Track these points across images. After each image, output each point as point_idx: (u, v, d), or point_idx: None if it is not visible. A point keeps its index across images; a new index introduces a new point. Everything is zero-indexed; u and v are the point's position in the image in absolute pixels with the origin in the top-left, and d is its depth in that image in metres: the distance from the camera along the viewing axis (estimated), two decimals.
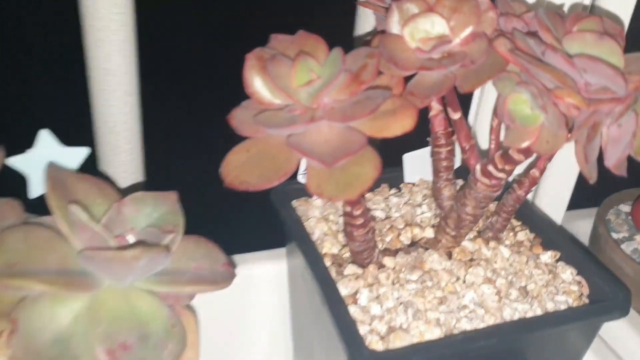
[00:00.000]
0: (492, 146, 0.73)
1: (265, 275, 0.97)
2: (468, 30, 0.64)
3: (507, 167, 0.71)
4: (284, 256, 0.96)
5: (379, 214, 0.87)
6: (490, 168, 0.72)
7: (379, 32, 0.68)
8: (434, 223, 0.85)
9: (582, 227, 1.13)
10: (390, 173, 0.94)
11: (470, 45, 0.64)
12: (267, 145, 0.62)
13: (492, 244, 0.81)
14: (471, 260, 0.79)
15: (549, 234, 0.86)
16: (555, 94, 0.59)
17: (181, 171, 1.67)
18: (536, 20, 0.62)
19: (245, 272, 0.96)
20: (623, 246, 0.99)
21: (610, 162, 0.60)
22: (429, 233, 0.83)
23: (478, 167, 0.73)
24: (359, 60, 0.62)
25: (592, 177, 0.62)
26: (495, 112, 0.73)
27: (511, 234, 0.84)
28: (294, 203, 0.88)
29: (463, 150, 0.74)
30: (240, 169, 0.61)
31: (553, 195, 1.02)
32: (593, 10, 0.87)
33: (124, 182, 0.97)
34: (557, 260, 0.82)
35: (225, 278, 0.70)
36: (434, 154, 0.79)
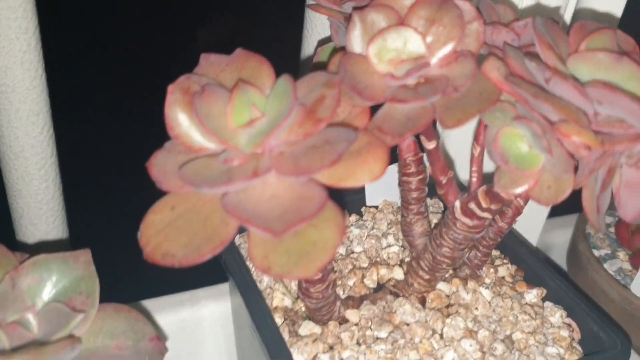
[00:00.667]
0: (474, 179, 0.61)
1: (210, 316, 0.84)
2: (449, 48, 0.51)
3: (492, 207, 0.59)
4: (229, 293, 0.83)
5: (338, 249, 0.74)
6: (473, 206, 0.60)
7: (339, 49, 0.55)
8: (403, 258, 0.73)
9: (560, 237, 1.03)
10: (349, 196, 0.81)
11: (453, 68, 0.51)
12: (198, 202, 0.48)
13: (470, 284, 0.70)
14: (448, 306, 0.68)
15: (531, 266, 0.75)
16: (561, 130, 0.47)
17: (106, 194, 1.47)
18: (534, 35, 0.49)
19: (186, 314, 0.82)
20: (606, 265, 0.89)
21: (627, 213, 0.49)
22: (398, 274, 0.71)
23: (457, 204, 0.61)
24: (315, 91, 0.49)
25: (602, 227, 0.51)
26: (476, 139, 0.61)
27: (491, 269, 0.73)
28: (238, 239, 0.75)
29: (439, 184, 0.62)
30: (163, 235, 0.47)
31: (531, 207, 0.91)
32: (579, 10, 0.75)
33: (38, 214, 0.81)
34: (544, 299, 0.72)
35: (154, 356, 0.56)
36: (402, 184, 0.67)
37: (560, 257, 1.03)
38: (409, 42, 0.51)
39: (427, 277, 0.67)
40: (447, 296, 0.69)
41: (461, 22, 0.51)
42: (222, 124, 0.47)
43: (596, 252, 0.91)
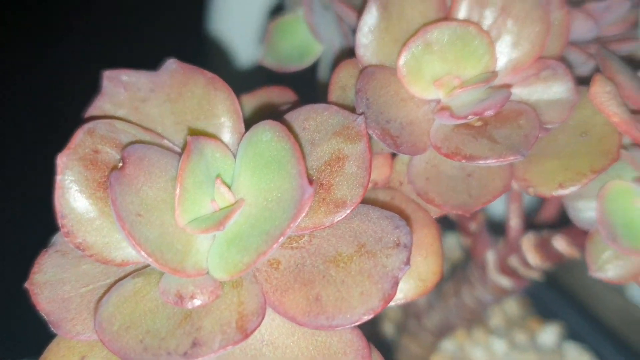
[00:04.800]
0: (513, 222, 0.43)
1: None
2: (529, 56, 0.31)
3: (545, 264, 0.41)
4: None
5: None
6: (515, 263, 0.42)
7: (345, 55, 0.34)
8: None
9: None
10: None
11: (535, 88, 0.31)
12: None
13: (478, 332, 0.54)
14: None
15: (539, 292, 0.60)
16: None
17: None
18: None
19: None
20: None
21: None
22: (388, 328, 0.53)
23: (492, 258, 0.43)
24: (322, 143, 0.28)
25: None
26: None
27: (497, 307, 0.57)
28: None
29: (464, 231, 0.44)
30: None
31: None
32: None
33: None
34: (563, 337, 0.57)
35: None
36: None
37: None
38: (468, 48, 0.30)
39: (431, 339, 0.49)
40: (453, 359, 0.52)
41: (545, 13, 0.31)
42: (165, 227, 0.25)
43: None
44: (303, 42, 0.42)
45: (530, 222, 0.45)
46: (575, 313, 0.58)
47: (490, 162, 0.29)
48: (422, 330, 0.49)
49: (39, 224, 0.31)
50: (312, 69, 0.44)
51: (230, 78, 0.30)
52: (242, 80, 0.51)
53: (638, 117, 0.29)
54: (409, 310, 0.51)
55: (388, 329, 0.54)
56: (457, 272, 0.47)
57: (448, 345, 0.52)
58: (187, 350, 0.23)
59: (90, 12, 0.64)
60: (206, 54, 0.53)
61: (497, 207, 0.60)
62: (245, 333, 0.24)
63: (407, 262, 0.25)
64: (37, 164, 0.30)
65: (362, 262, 0.25)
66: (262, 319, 0.25)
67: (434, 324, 0.48)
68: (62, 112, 0.31)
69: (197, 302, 0.25)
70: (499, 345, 0.54)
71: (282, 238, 0.24)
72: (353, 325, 0.24)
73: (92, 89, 0.30)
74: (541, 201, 0.52)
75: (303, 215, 0.25)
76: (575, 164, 0.30)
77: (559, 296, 0.58)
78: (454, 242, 0.62)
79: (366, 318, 0.24)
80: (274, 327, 0.26)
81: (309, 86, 0.41)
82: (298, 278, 0.26)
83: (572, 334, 0.57)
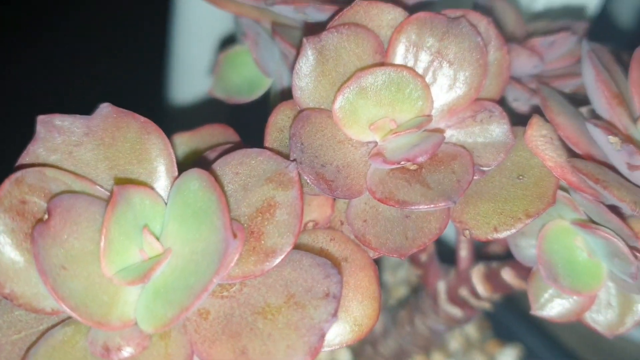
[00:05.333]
0: (463, 253, 0.43)
1: None
2: (465, 99, 0.32)
3: (494, 296, 0.42)
4: None
5: None
6: (465, 293, 0.42)
7: (283, 94, 0.34)
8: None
9: None
10: None
11: (471, 131, 0.32)
12: None
13: (436, 356, 0.54)
14: None
15: (498, 314, 0.60)
16: None
17: None
18: (597, 80, 0.31)
19: None
20: None
21: None
22: (344, 357, 0.53)
23: (442, 288, 0.43)
24: (254, 190, 0.28)
25: None
26: None
27: (456, 329, 0.57)
28: None
29: (415, 262, 0.44)
30: None
31: None
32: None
33: None
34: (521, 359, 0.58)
35: None
36: None
37: None
38: (402, 92, 0.31)
39: None
40: None
41: (481, 56, 0.31)
42: (91, 279, 0.25)
43: None
44: (252, 74, 0.42)
45: (483, 253, 0.45)
46: (533, 335, 0.58)
47: (422, 207, 0.29)
48: (377, 356, 0.49)
49: None
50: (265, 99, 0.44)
51: (184, 107, 0.30)
52: (198, 108, 0.51)
53: (576, 163, 0.30)
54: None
55: (344, 356, 0.54)
56: (410, 300, 0.47)
57: None
58: None
59: (52, 34, 0.64)
60: (164, 82, 0.53)
61: (450, 233, 0.61)
62: None
63: (335, 314, 0.25)
64: None
65: (290, 314, 0.26)
66: None
67: (389, 352, 0.49)
68: None
69: (124, 354, 0.25)
70: None
71: (205, 293, 0.24)
72: None
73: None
74: None
75: (228, 268, 0.25)
76: (510, 208, 0.30)
77: (518, 318, 0.59)
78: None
79: None
80: None
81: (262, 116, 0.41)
82: (226, 329, 0.26)
83: (531, 356, 0.58)
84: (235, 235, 0.25)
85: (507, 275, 0.40)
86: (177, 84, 0.51)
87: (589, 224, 0.31)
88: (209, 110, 0.36)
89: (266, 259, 0.27)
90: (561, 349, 0.58)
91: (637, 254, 0.29)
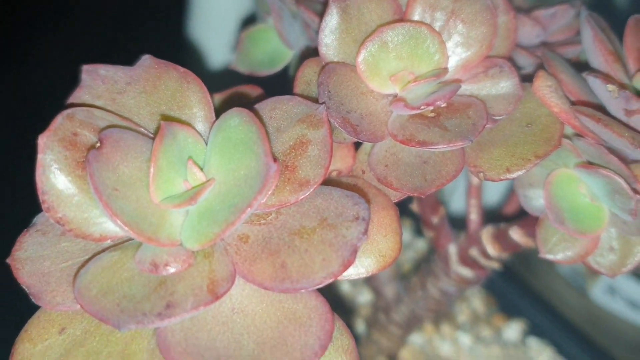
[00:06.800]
0: (473, 216, 0.46)
1: None
2: (477, 55, 0.34)
3: (503, 255, 0.44)
4: None
5: None
6: (475, 254, 0.45)
7: (308, 52, 0.37)
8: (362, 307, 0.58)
9: None
10: None
11: (484, 84, 0.34)
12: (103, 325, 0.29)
13: (445, 327, 0.56)
14: None
15: (502, 288, 0.63)
16: None
17: None
18: (595, 39, 0.34)
19: None
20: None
21: None
22: (358, 325, 0.56)
23: (453, 250, 0.46)
24: (288, 130, 0.30)
25: None
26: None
27: (463, 303, 0.59)
28: None
29: (427, 224, 0.46)
30: None
31: None
32: None
33: None
34: (526, 334, 0.60)
35: None
36: None
37: None
38: (421, 46, 0.33)
39: (399, 332, 0.51)
40: (421, 352, 0.54)
41: (492, 16, 0.34)
42: (140, 202, 0.28)
43: None
44: (274, 48, 0.45)
45: (495, 216, 0.48)
46: (538, 311, 0.60)
47: (441, 147, 0.31)
48: (391, 324, 0.52)
49: (21, 206, 0.33)
50: (284, 74, 0.46)
51: (205, 79, 0.33)
52: (217, 82, 0.53)
53: (579, 107, 0.32)
54: (378, 304, 0.53)
55: (359, 325, 0.56)
56: (422, 266, 0.49)
57: (417, 339, 0.55)
58: (162, 311, 0.26)
59: (73, 15, 0.67)
60: (184, 58, 0.56)
61: (459, 204, 0.63)
62: (215, 296, 0.26)
63: (365, 233, 0.28)
64: (21, 150, 0.33)
65: (324, 233, 0.28)
66: (232, 284, 0.27)
67: (402, 318, 0.51)
68: (45, 104, 0.33)
69: (170, 269, 0.27)
70: (465, 340, 0.56)
71: (249, 209, 0.26)
72: (315, 287, 0.27)
73: (73, 85, 0.32)
74: (507, 197, 0.54)
75: (269, 189, 0.28)
76: (521, 151, 0.33)
77: (523, 295, 0.61)
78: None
79: (327, 281, 0.27)
80: (244, 296, 0.28)
81: (282, 89, 0.44)
82: (265, 249, 0.28)
83: (535, 331, 0.60)
84: (275, 160, 0.27)
85: (515, 234, 0.42)
86: (198, 60, 0.54)
87: (591, 166, 0.33)
88: (231, 86, 0.39)
89: (300, 188, 0.29)
90: (562, 324, 0.60)
91: (637, 191, 0.32)
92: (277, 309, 0.28)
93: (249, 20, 0.56)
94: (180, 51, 0.57)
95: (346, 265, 0.27)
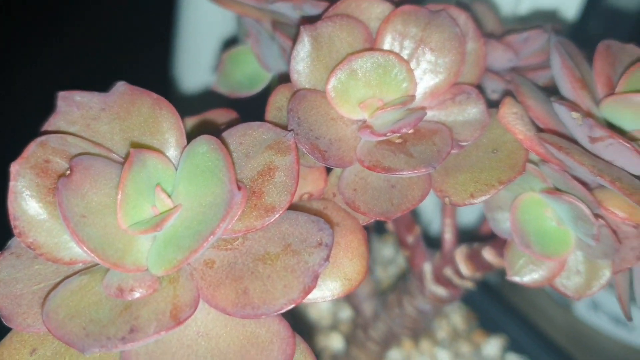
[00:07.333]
0: (447, 235, 0.46)
1: None
2: (445, 82, 0.35)
3: (476, 274, 0.45)
4: None
5: None
6: (449, 273, 0.45)
7: (286, 74, 0.37)
8: (338, 319, 0.58)
9: None
10: None
11: (450, 111, 0.35)
12: None
13: (424, 344, 0.57)
14: None
15: (482, 304, 0.63)
16: (607, 206, 0.33)
17: None
18: (562, 66, 0.35)
19: None
20: None
21: None
22: (337, 341, 0.56)
23: (428, 269, 0.46)
24: (256, 156, 0.31)
25: (630, 317, 0.39)
26: None
27: (443, 319, 0.60)
28: None
29: (403, 244, 0.47)
30: None
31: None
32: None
33: None
34: (505, 350, 0.60)
35: None
36: None
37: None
38: (389, 74, 0.34)
39: (377, 349, 0.52)
40: None
41: (460, 44, 0.35)
42: (107, 228, 0.28)
43: None
44: (253, 70, 0.46)
45: (472, 236, 0.49)
46: (519, 327, 0.61)
47: (405, 173, 0.32)
48: (369, 340, 0.52)
49: None
50: (266, 94, 0.47)
51: (189, 100, 0.34)
52: (201, 102, 0.54)
53: (543, 135, 0.33)
54: (357, 321, 0.54)
55: (337, 341, 0.56)
56: (399, 284, 0.50)
57: (395, 355, 0.55)
58: (125, 335, 0.26)
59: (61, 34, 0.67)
60: (169, 80, 0.57)
61: (435, 224, 0.64)
62: (178, 321, 0.27)
63: (327, 259, 0.28)
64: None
65: (287, 259, 0.29)
66: (195, 310, 0.28)
67: (379, 334, 0.51)
68: (21, 130, 0.34)
69: (136, 294, 0.28)
70: (444, 356, 0.57)
71: (212, 237, 0.27)
72: (276, 313, 0.27)
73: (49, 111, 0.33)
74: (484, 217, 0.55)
75: (233, 217, 0.28)
76: (485, 177, 0.33)
77: (505, 310, 0.62)
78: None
79: (288, 307, 0.27)
80: (209, 321, 0.29)
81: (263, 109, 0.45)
82: (230, 275, 0.29)
83: (515, 346, 0.60)
84: (239, 188, 0.28)
85: (488, 254, 0.43)
86: (181, 81, 0.55)
87: (556, 191, 0.34)
88: (211, 107, 0.40)
89: (266, 214, 0.30)
90: (543, 340, 0.61)
91: (599, 216, 0.32)
92: (241, 333, 0.29)
93: (232, 41, 0.57)
94: (164, 73, 0.58)
95: (307, 292, 0.27)
